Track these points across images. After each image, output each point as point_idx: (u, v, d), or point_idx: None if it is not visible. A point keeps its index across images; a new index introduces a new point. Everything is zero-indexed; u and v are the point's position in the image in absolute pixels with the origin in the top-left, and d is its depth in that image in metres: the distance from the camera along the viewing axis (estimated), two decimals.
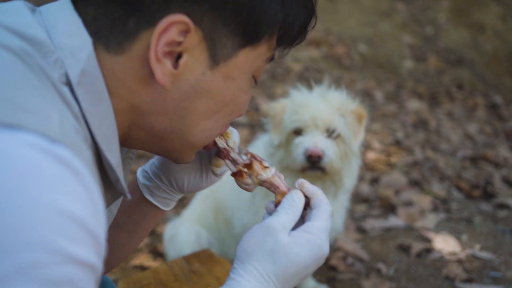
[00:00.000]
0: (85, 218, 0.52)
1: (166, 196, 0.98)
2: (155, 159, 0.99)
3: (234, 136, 0.90)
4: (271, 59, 0.78)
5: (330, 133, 1.56)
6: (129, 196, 0.74)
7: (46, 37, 0.61)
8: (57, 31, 0.63)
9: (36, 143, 0.50)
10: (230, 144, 0.88)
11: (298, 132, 1.57)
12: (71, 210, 0.51)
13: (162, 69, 0.65)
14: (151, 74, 0.65)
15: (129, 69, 0.66)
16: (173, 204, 1.01)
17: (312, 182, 0.86)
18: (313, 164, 1.50)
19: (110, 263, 1.02)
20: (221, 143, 0.87)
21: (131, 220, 0.99)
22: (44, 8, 0.66)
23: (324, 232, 0.79)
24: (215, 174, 0.95)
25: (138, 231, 1.01)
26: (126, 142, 0.75)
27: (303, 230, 0.78)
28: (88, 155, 0.59)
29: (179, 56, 0.66)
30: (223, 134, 0.88)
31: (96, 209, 0.55)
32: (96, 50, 0.64)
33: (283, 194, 0.82)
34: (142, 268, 2.14)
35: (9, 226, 0.47)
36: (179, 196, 1.01)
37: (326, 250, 0.79)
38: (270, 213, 0.83)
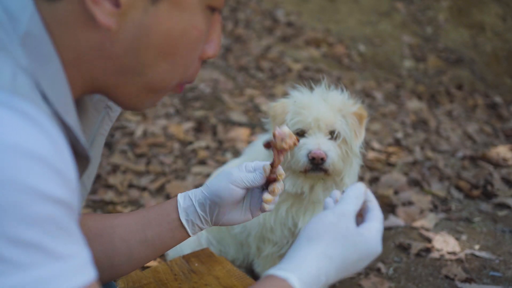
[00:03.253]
0: (50, 157, 0.54)
1: (200, 225, 1.04)
2: (203, 188, 1.03)
3: (285, 131, 0.99)
4: None
5: (332, 134, 1.57)
6: (90, 156, 0.72)
7: None
8: None
9: None
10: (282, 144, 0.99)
11: (300, 133, 1.58)
12: (35, 151, 0.52)
13: (102, 10, 0.62)
14: (93, 17, 0.63)
15: (71, 15, 0.63)
16: (197, 233, 1.06)
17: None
18: (316, 166, 1.52)
19: (124, 270, 1.04)
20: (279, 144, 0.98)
21: (159, 239, 1.02)
22: None
23: (379, 233, 0.82)
24: (263, 210, 1.01)
25: (162, 249, 1.05)
26: (85, 92, 0.74)
27: (365, 227, 0.81)
28: (45, 107, 0.59)
29: None
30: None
31: (59, 150, 0.55)
32: (37, 3, 0.62)
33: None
34: (142, 267, 2.15)
35: None
36: (208, 226, 1.06)
37: (379, 249, 0.81)
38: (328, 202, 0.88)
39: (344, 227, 0.78)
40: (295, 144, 1.00)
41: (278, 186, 1.01)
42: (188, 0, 0.67)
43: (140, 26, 0.66)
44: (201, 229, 1.05)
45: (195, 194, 1.03)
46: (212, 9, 0.71)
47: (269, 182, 1.02)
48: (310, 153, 1.50)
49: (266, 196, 1.02)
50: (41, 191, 0.52)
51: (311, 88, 1.67)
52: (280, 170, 1.02)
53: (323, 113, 1.55)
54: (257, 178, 1.00)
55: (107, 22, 0.63)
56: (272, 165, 1.01)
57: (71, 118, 0.66)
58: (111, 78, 0.70)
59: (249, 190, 1.04)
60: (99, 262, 0.99)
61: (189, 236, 1.05)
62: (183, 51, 0.71)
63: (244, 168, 1.03)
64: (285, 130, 0.99)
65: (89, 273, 0.57)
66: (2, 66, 0.56)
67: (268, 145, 1.02)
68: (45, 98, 0.61)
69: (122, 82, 0.71)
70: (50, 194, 0.53)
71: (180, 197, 1.04)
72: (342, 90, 1.67)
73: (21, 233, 0.50)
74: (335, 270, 0.76)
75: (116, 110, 0.91)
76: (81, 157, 0.71)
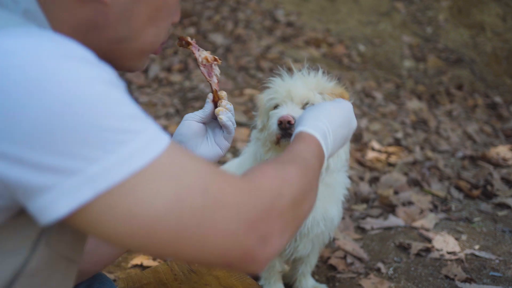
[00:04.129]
0: (92, 58, 0.63)
1: None
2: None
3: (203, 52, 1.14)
4: None
5: (305, 106, 1.57)
6: None
7: None
8: None
9: (45, 44, 0.60)
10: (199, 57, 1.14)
11: (275, 107, 1.59)
12: (79, 54, 0.61)
13: None
14: None
15: None
16: None
17: None
18: (285, 131, 1.50)
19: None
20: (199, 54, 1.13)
21: None
22: None
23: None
24: (220, 119, 1.14)
25: None
26: None
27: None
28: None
29: None
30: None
31: (111, 78, 0.63)
32: None
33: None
34: (142, 267, 2.15)
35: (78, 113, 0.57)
36: None
37: (351, 107, 1.15)
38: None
39: (326, 104, 1.09)
40: (215, 59, 1.14)
41: (223, 103, 1.14)
42: None
43: None
44: None
45: None
46: None
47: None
48: (278, 119, 1.50)
49: (217, 110, 1.15)
50: (96, 77, 0.60)
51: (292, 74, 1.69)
52: (222, 93, 1.16)
53: (296, 86, 1.57)
54: (205, 109, 1.15)
55: None
56: (212, 92, 1.15)
57: None
58: (106, 47, 0.77)
59: (206, 124, 1.17)
60: (94, 239, 1.03)
61: None
62: (165, 15, 0.82)
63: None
64: (203, 53, 1.13)
65: (166, 136, 0.65)
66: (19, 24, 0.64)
67: (181, 44, 1.15)
68: None
69: (117, 49, 0.79)
70: (106, 79, 0.61)
71: None
72: (323, 73, 1.68)
73: (111, 123, 0.59)
74: (331, 124, 1.02)
75: None
76: None
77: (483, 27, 6.42)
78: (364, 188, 2.95)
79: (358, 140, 3.75)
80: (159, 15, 0.80)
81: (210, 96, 1.16)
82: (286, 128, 1.49)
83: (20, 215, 0.63)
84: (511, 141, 4.18)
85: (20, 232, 0.64)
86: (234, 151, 3.28)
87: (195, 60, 1.13)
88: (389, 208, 2.71)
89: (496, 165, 3.41)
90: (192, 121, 1.13)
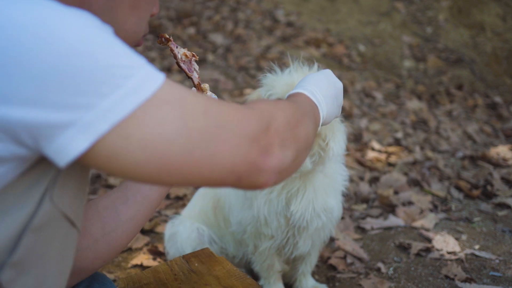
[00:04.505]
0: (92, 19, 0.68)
1: None
2: None
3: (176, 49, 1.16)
4: None
5: None
6: None
7: None
8: None
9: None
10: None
11: None
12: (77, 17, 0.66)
13: None
14: None
15: None
16: None
17: None
18: None
19: (116, 238, 1.09)
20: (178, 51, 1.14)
21: (139, 193, 1.10)
22: None
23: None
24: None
25: (145, 204, 1.11)
26: None
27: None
28: None
29: None
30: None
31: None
32: None
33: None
34: (142, 267, 2.15)
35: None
36: None
37: (330, 72, 1.19)
38: None
39: (307, 75, 1.15)
40: (193, 55, 1.16)
41: (208, 94, 1.17)
42: None
43: None
44: None
45: None
46: None
47: None
48: None
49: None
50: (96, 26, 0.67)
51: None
52: (205, 85, 1.19)
53: (294, 80, 1.56)
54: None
55: None
56: (195, 86, 1.17)
57: None
58: None
59: None
60: (92, 235, 1.05)
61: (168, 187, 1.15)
62: (145, 5, 0.88)
63: None
64: (181, 50, 1.15)
65: (158, 71, 0.71)
66: None
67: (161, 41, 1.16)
68: None
69: None
70: (102, 27, 0.67)
71: None
72: (318, 67, 1.68)
73: (114, 60, 0.65)
74: (316, 86, 1.07)
75: None
76: None
77: (483, 27, 6.42)
78: (364, 188, 2.95)
79: (358, 140, 3.75)
80: (140, 4, 0.86)
81: (194, 90, 1.17)
82: None
83: (30, 170, 0.69)
84: (511, 141, 4.18)
85: (28, 188, 0.69)
86: None
87: (174, 57, 1.15)
88: (389, 208, 2.71)
89: (496, 165, 3.41)
90: None
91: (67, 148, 0.63)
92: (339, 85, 1.18)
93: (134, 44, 0.92)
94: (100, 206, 1.08)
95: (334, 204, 1.70)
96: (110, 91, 0.64)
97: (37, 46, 0.61)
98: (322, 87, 1.09)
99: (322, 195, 1.66)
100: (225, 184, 0.76)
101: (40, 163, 0.70)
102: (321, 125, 1.08)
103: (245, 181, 0.75)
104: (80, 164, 0.69)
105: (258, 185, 0.78)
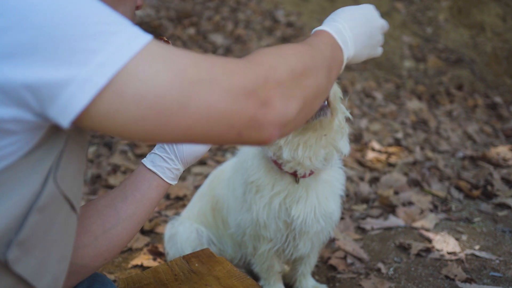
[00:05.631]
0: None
1: (166, 166, 1.15)
2: (166, 147, 1.17)
3: None
4: None
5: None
6: None
7: None
8: None
9: None
10: None
11: None
12: None
13: None
14: None
15: None
16: (174, 177, 1.18)
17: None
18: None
19: (117, 235, 1.10)
20: None
21: (138, 191, 1.12)
22: None
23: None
24: None
25: (144, 202, 1.13)
26: None
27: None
28: None
29: None
30: None
31: None
32: None
33: None
34: (142, 267, 2.15)
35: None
36: (178, 167, 1.18)
37: (371, 7, 1.14)
38: None
39: (342, 8, 1.09)
40: None
41: None
42: None
43: None
44: (172, 172, 1.17)
45: (157, 147, 1.19)
46: None
47: None
48: None
49: None
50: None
51: None
52: None
53: None
54: None
55: None
56: None
57: None
58: None
59: None
60: (92, 232, 1.06)
61: (164, 182, 1.15)
62: None
63: None
64: None
65: (147, 33, 0.71)
66: None
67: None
68: None
69: None
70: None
71: (147, 160, 1.17)
72: None
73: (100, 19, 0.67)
74: (348, 22, 1.02)
75: None
76: None
77: (483, 27, 6.42)
78: (364, 188, 2.95)
79: (358, 140, 3.75)
80: None
81: None
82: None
83: (35, 149, 0.70)
84: (511, 141, 4.18)
85: (33, 167, 0.71)
86: (234, 152, 3.28)
87: None
88: (389, 208, 2.71)
89: (496, 165, 3.41)
90: None
91: (69, 105, 0.65)
92: (378, 23, 1.11)
93: None
94: (100, 204, 1.10)
95: (335, 208, 1.71)
96: (102, 47, 0.65)
97: (36, 6, 0.63)
98: (354, 23, 1.03)
99: (323, 200, 1.67)
100: (228, 140, 0.74)
101: (45, 142, 0.71)
102: (352, 63, 1.05)
103: (246, 136, 0.74)
104: (81, 127, 0.70)
105: (262, 141, 0.76)
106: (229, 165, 1.96)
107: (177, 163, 1.17)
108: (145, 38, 0.69)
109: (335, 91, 1.54)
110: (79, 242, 1.02)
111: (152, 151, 1.20)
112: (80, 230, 1.03)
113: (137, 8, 0.97)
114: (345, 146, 1.61)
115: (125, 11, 0.91)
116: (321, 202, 1.66)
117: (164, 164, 1.16)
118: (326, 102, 1.50)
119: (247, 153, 1.73)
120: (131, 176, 1.17)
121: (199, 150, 1.20)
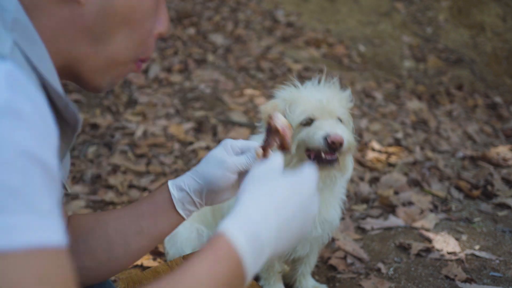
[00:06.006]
0: (33, 119, 0.58)
1: (193, 209, 1.08)
2: (194, 175, 1.06)
3: (282, 118, 1.03)
4: None
5: (339, 120, 1.57)
6: (80, 118, 0.80)
7: None
8: None
9: None
10: (280, 123, 1.03)
11: (308, 122, 1.55)
12: (19, 110, 0.56)
13: None
14: None
15: None
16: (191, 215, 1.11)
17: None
18: (333, 151, 1.49)
19: (122, 263, 1.06)
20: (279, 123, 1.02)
21: (155, 227, 1.05)
22: None
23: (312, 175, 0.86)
24: None
25: (159, 238, 1.08)
26: (63, 71, 0.82)
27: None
28: (36, 80, 0.69)
29: None
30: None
31: (43, 117, 0.60)
32: None
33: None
34: (142, 268, 2.15)
35: None
36: (201, 208, 1.10)
37: (312, 182, 0.83)
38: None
39: (278, 181, 0.80)
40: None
41: None
42: None
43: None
44: (194, 212, 1.11)
45: (188, 184, 1.06)
46: None
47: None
48: (329, 137, 1.47)
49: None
50: (22, 146, 0.55)
51: (297, 85, 1.67)
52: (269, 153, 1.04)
53: (328, 99, 1.54)
54: (249, 162, 1.05)
55: None
56: (265, 148, 1.04)
57: (59, 87, 0.75)
58: (82, 50, 0.80)
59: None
60: (97, 257, 1.01)
61: (184, 219, 1.09)
62: (139, 19, 0.81)
63: (231, 149, 1.08)
64: (283, 118, 1.03)
65: (59, 236, 0.56)
66: (4, 36, 0.65)
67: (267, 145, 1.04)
68: (35, 71, 0.70)
69: (92, 52, 0.80)
70: (29, 150, 0.55)
71: (172, 187, 1.07)
72: (332, 83, 1.67)
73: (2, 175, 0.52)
74: (277, 219, 0.73)
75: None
76: (70, 122, 0.80)
77: (483, 27, 6.41)
78: (364, 188, 2.95)
79: (358, 140, 3.75)
80: (130, 21, 0.80)
81: (259, 152, 1.04)
82: (335, 148, 1.47)
83: None
84: (511, 141, 4.17)
85: None
86: None
87: (271, 131, 1.02)
88: (389, 208, 2.71)
89: (496, 165, 3.41)
90: (232, 175, 1.05)
91: None
92: (313, 212, 0.80)
93: (125, 67, 0.86)
94: (110, 227, 1.03)
95: (335, 215, 1.73)
96: None
97: None
98: (284, 216, 0.74)
99: (324, 208, 1.68)
100: None
101: None
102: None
103: None
104: None
105: None
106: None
107: (203, 207, 1.10)
108: (45, 238, 0.54)
109: (350, 141, 1.54)
110: (81, 263, 0.97)
111: (184, 182, 1.06)
112: (84, 250, 0.99)
113: (160, 36, 0.87)
114: (351, 165, 1.63)
115: (131, 39, 0.82)
116: (321, 210, 1.67)
117: (193, 208, 1.08)
118: (336, 156, 1.52)
119: None
120: (152, 203, 1.06)
121: (228, 198, 1.11)
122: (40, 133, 0.58)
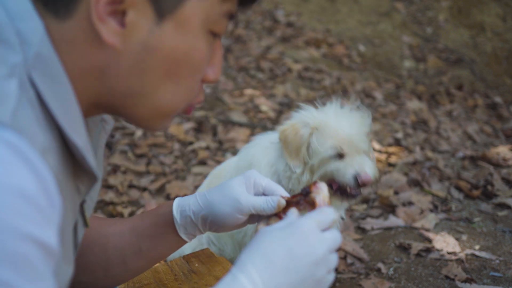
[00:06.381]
0: (36, 197, 0.53)
1: (195, 234, 1.01)
2: (202, 202, 0.97)
3: (325, 191, 0.87)
4: (231, 15, 0.72)
5: (367, 154, 1.60)
6: (99, 175, 0.73)
7: (6, 20, 0.60)
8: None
9: None
10: (319, 199, 0.86)
11: (336, 156, 1.56)
12: (21, 188, 0.52)
13: (108, 29, 0.63)
14: (99, 35, 0.63)
15: (80, 32, 0.64)
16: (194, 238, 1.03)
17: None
18: (360, 189, 1.56)
19: (119, 280, 1.03)
20: (319, 198, 0.86)
21: (155, 250, 1.00)
22: None
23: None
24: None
25: (157, 259, 1.03)
26: (93, 111, 0.74)
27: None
28: (43, 141, 0.59)
29: (125, 14, 0.63)
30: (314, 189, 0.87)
31: (47, 192, 0.56)
32: (46, 20, 0.63)
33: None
34: None
35: None
36: (204, 233, 1.03)
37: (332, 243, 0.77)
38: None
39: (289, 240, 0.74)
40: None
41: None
42: (191, 23, 0.67)
43: (144, 46, 0.66)
44: (196, 236, 1.04)
45: (193, 209, 0.98)
46: (214, 34, 0.72)
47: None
48: (359, 176, 1.51)
49: (261, 226, 0.90)
50: (20, 230, 0.52)
51: (316, 107, 1.65)
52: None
53: (358, 133, 1.55)
54: (267, 209, 0.91)
55: (112, 40, 0.64)
56: (289, 204, 0.90)
57: (81, 139, 0.66)
58: (117, 99, 0.71)
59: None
60: (93, 272, 0.98)
61: (186, 242, 1.03)
62: (186, 72, 0.71)
63: (253, 186, 0.95)
64: (325, 192, 0.88)
65: None
66: (8, 95, 0.56)
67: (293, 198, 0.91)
68: (53, 122, 0.62)
69: (130, 104, 0.72)
70: (29, 234, 0.52)
71: (176, 211, 0.99)
72: (358, 107, 1.65)
73: None
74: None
75: (110, 123, 0.89)
76: (89, 175, 0.72)
77: (483, 27, 6.42)
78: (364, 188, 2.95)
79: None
80: (179, 71, 0.70)
81: (281, 205, 0.90)
82: (362, 186, 1.51)
83: None
84: (511, 141, 4.18)
85: None
86: (235, 152, 3.28)
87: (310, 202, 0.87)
88: (389, 208, 2.71)
89: (496, 165, 3.41)
90: (244, 217, 0.94)
91: None
92: (321, 262, 0.74)
93: (175, 113, 0.76)
94: (110, 245, 0.98)
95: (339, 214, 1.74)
96: None
97: None
98: (283, 280, 0.71)
99: None
100: None
101: None
102: None
103: None
104: None
105: None
106: (230, 164, 1.95)
107: (205, 232, 1.03)
108: None
109: (376, 176, 1.57)
110: (77, 277, 0.91)
111: (189, 206, 0.98)
112: (81, 265, 0.94)
113: (208, 82, 0.76)
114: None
115: (177, 91, 0.72)
116: None
117: (196, 232, 1.00)
118: (360, 191, 1.56)
119: (252, 156, 1.72)
120: (153, 225, 1.00)
121: (234, 229, 1.01)
122: (42, 213, 0.54)
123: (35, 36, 0.61)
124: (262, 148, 1.77)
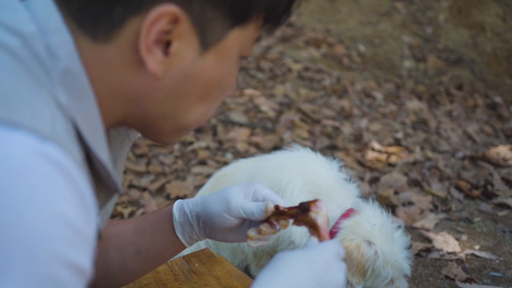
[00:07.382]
0: (76, 221, 0.53)
1: (194, 237, 1.01)
2: (199, 201, 0.99)
3: (325, 210, 0.86)
4: (258, 39, 0.75)
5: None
6: (121, 189, 0.74)
7: (36, 34, 0.60)
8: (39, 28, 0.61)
9: (26, 141, 0.51)
10: (321, 220, 0.85)
11: (390, 281, 1.61)
12: (62, 213, 0.52)
13: (153, 59, 0.63)
14: (140, 61, 0.64)
15: (117, 57, 0.64)
16: (193, 244, 1.04)
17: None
18: None
19: (119, 281, 1.03)
20: (320, 219, 0.84)
21: (154, 250, 1.01)
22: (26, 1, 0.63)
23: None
24: (247, 244, 0.92)
25: (156, 261, 1.04)
26: (115, 126, 0.75)
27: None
28: (77, 152, 0.59)
29: (168, 43, 0.64)
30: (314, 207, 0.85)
31: (87, 210, 0.55)
32: (80, 42, 0.63)
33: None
34: None
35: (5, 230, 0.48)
36: (202, 239, 1.03)
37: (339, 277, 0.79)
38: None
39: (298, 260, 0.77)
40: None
41: (267, 230, 0.90)
42: (230, 52, 0.70)
43: (185, 74, 0.68)
44: (197, 241, 1.04)
45: (190, 208, 0.99)
46: (242, 58, 0.76)
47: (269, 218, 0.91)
48: None
49: (250, 232, 0.90)
50: (58, 255, 0.52)
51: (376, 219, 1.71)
52: (286, 222, 0.89)
53: (407, 260, 1.62)
54: (256, 213, 0.91)
55: (156, 69, 0.64)
56: (281, 213, 0.89)
57: (104, 154, 0.67)
58: (146, 120, 0.72)
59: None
60: (94, 272, 0.99)
61: (185, 247, 1.03)
62: (217, 94, 0.75)
63: (253, 193, 0.96)
64: (325, 211, 0.86)
65: None
66: (43, 105, 0.56)
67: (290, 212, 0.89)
68: (79, 136, 0.62)
69: (159, 124, 0.73)
70: (66, 258, 0.52)
71: (176, 208, 1.01)
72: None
73: None
74: None
75: (135, 131, 0.90)
76: (107, 188, 0.72)
77: (483, 27, 6.42)
78: (364, 188, 2.95)
79: (358, 140, 3.75)
80: (211, 95, 0.73)
81: (269, 209, 0.89)
82: None
83: None
84: (511, 141, 4.18)
85: None
86: (235, 152, 3.28)
87: (311, 225, 0.85)
88: (389, 208, 2.71)
89: (496, 165, 3.41)
90: (231, 218, 0.94)
91: None
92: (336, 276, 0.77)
93: (195, 127, 0.80)
94: (112, 245, 0.99)
95: None
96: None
97: None
98: None
99: None
100: None
101: None
102: None
103: None
104: None
105: None
106: (239, 169, 1.90)
107: (204, 238, 1.03)
108: None
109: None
110: None
111: (188, 204, 1.00)
112: None
113: (227, 97, 0.81)
114: None
115: (204, 111, 0.75)
116: None
117: (194, 236, 1.01)
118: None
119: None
120: (153, 223, 1.01)
121: (231, 240, 1.02)
122: (81, 236, 0.54)
123: (63, 51, 0.60)
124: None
